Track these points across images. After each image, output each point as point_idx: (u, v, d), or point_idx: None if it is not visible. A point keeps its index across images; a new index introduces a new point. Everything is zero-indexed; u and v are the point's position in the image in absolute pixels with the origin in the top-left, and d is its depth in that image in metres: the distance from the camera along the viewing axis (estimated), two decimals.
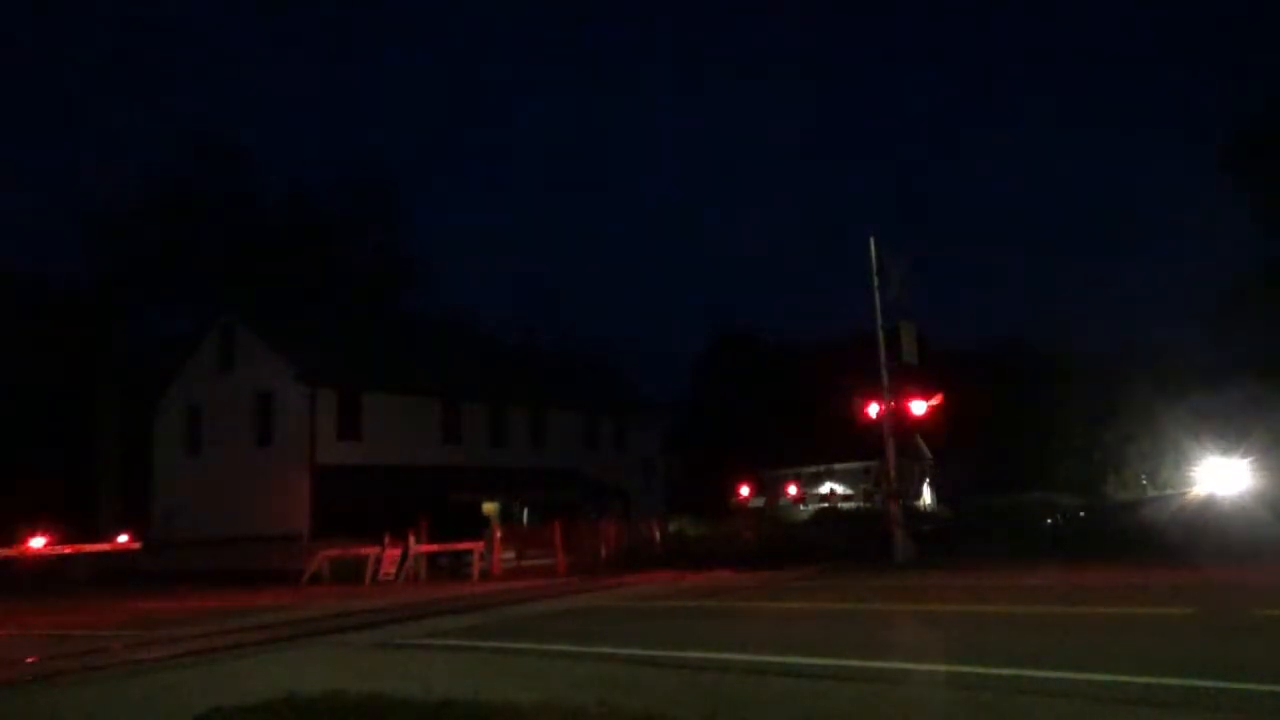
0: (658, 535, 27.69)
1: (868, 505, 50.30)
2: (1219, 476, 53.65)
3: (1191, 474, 60.88)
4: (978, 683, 6.28)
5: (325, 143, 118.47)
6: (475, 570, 22.37)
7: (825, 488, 60.20)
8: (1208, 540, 20.81)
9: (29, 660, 10.20)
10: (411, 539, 23.22)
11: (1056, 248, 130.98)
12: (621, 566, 22.79)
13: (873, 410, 22.41)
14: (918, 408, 22.40)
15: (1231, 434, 50.49)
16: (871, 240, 22.04)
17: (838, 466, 59.46)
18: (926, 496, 59.12)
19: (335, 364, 30.31)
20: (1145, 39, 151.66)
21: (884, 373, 21.64)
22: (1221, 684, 5.93)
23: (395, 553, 23.09)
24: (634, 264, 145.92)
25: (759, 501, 57.53)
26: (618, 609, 13.66)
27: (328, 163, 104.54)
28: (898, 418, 22.06)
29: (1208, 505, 41.14)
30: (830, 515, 44.00)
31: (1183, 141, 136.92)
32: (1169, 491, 62.57)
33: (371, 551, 23.30)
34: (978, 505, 48.21)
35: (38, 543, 29.70)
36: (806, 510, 54.13)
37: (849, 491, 59.25)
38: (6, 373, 41.22)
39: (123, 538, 32.26)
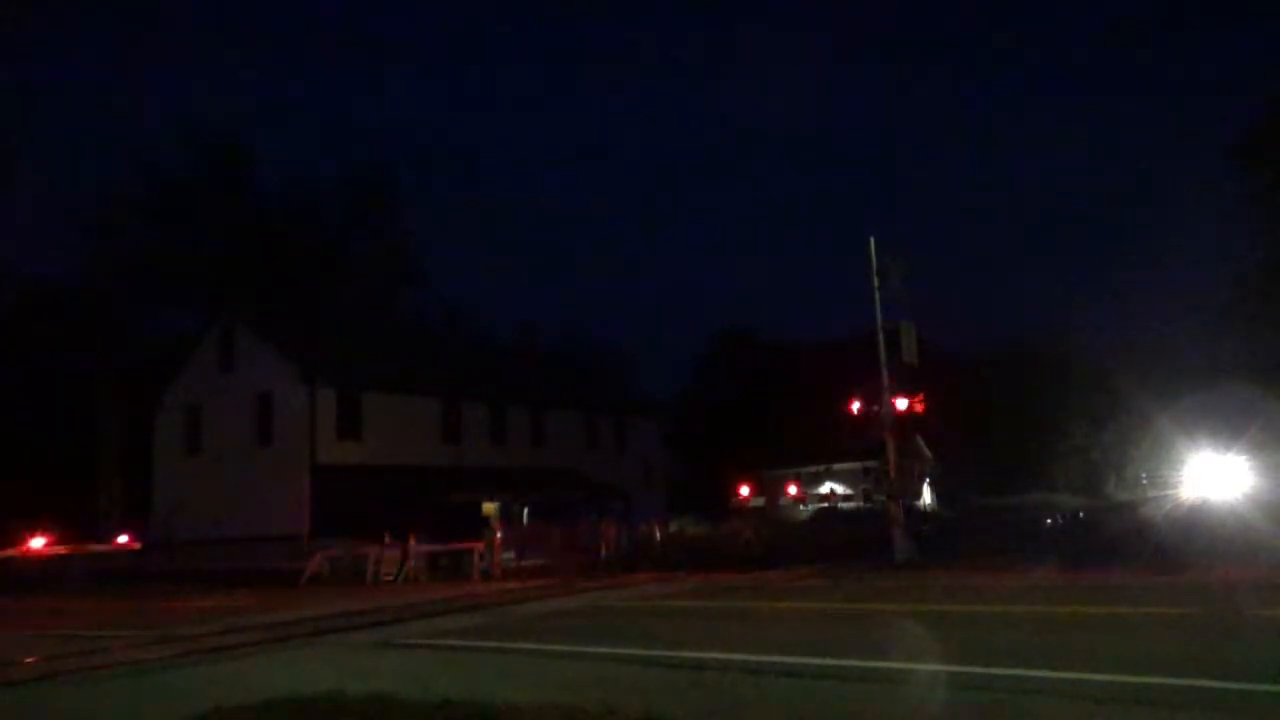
0: (658, 535, 27.69)
1: (868, 505, 50.33)
2: (1216, 476, 53.69)
3: (1190, 474, 60.96)
4: (978, 683, 6.28)
5: (325, 142, 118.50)
6: (475, 570, 22.35)
7: (825, 488, 60.18)
8: (1205, 540, 20.79)
9: (29, 660, 10.19)
10: (411, 539, 23.20)
11: (1057, 248, 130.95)
12: (621, 566, 22.78)
13: (872, 410, 22.42)
14: (918, 408, 22.42)
15: (1229, 434, 50.55)
16: (871, 241, 22.02)
17: (838, 466, 59.43)
18: (926, 496, 59.11)
19: (335, 364, 30.28)
20: (1146, 40, 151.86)
21: (884, 373, 21.63)
22: (1221, 684, 5.93)
23: (395, 553, 23.07)
24: (634, 263, 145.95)
25: (759, 501, 57.54)
26: (618, 609, 13.66)
27: (328, 162, 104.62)
28: (897, 417, 22.06)
29: (1205, 505, 41.12)
30: (830, 515, 44.14)
31: (1184, 140, 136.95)
32: (1168, 491, 62.64)
33: (371, 551, 23.28)
34: (978, 505, 48.35)
35: (38, 543, 29.83)
36: (806, 510, 54.20)
37: (849, 491, 59.24)
38: (6, 373, 41.25)
39: (123, 538, 32.38)
